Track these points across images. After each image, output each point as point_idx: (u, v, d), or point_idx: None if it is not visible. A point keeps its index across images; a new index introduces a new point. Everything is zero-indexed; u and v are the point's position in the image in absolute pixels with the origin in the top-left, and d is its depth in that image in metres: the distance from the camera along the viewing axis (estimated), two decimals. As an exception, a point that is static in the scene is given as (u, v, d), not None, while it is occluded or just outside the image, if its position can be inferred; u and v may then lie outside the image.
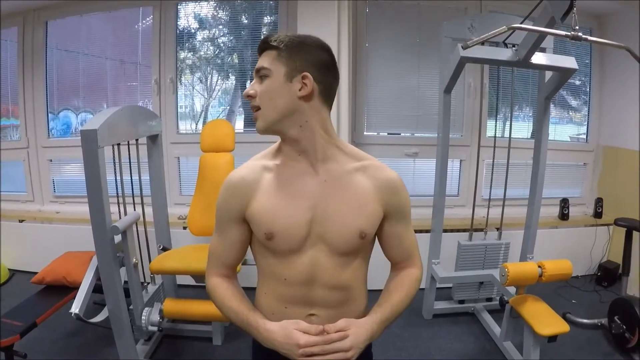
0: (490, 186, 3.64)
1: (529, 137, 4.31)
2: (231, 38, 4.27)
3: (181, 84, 4.26)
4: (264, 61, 1.13)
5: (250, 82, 4.04)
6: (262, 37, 1.21)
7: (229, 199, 1.21)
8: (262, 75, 1.14)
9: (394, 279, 1.30)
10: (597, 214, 4.34)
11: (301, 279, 1.18)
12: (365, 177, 1.20)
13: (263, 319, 1.17)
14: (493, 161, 3.56)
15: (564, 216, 4.29)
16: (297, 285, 1.18)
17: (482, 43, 2.38)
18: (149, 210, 3.11)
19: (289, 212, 1.15)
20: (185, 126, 4.32)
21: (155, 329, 2.69)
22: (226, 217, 1.23)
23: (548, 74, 3.13)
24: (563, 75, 2.94)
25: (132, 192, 2.94)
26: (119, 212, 2.74)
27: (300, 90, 1.12)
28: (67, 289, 2.92)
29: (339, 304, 1.21)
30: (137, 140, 2.83)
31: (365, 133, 4.16)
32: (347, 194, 1.17)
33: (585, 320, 3.36)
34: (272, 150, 1.25)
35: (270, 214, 1.15)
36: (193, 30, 4.23)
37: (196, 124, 4.38)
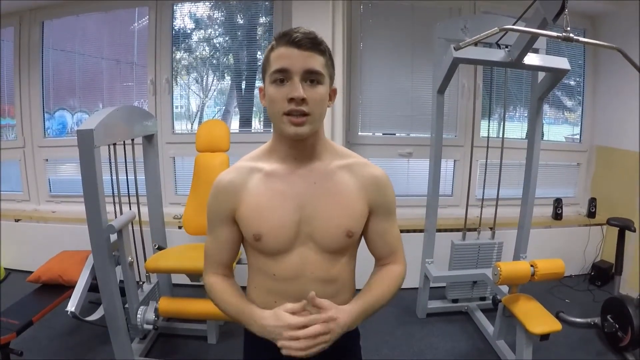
0: (484, 186, 3.66)
1: (523, 137, 4.33)
2: (227, 38, 4.28)
3: (177, 84, 4.26)
4: (318, 64, 1.10)
5: (245, 82, 4.03)
6: (300, 31, 1.09)
7: (218, 202, 1.23)
8: (314, 80, 1.10)
9: (377, 274, 1.31)
10: (591, 214, 4.36)
11: (290, 275, 1.19)
12: (350, 175, 1.22)
13: (258, 309, 1.18)
14: (486, 161, 3.58)
15: (557, 216, 4.31)
16: (286, 280, 1.20)
17: (475, 44, 2.40)
18: (144, 209, 3.12)
19: (277, 214, 1.16)
20: (180, 126, 4.33)
21: (150, 327, 2.69)
22: (216, 219, 1.24)
23: (541, 75, 3.16)
24: (555, 75, 2.97)
25: (128, 191, 2.94)
26: (115, 211, 2.75)
27: (329, 101, 1.17)
28: (63, 288, 2.92)
29: (328, 297, 1.20)
30: (132, 140, 2.85)
31: (359, 133, 4.18)
32: (333, 194, 1.19)
33: (578, 319, 3.38)
34: (260, 151, 1.26)
35: (258, 216, 1.17)
36: (189, 31, 4.24)
37: (192, 124, 4.39)
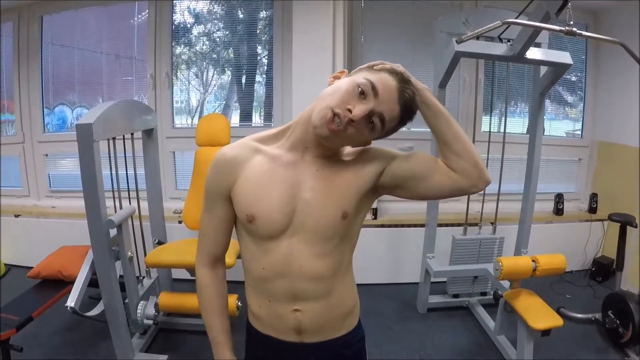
0: (485, 181, 3.65)
1: (525, 132, 4.32)
2: (227, 33, 4.26)
3: (177, 78, 4.25)
4: (391, 116, 1.08)
5: (246, 76, 3.97)
6: (411, 91, 1.08)
7: (218, 176, 1.18)
8: (374, 122, 1.07)
9: None
10: (592, 209, 4.36)
11: (279, 268, 1.14)
12: (351, 160, 1.18)
13: (226, 348, 1.31)
14: (487, 156, 3.56)
15: (558, 211, 4.31)
16: (276, 275, 1.15)
17: (477, 38, 2.39)
18: (144, 204, 3.12)
19: (274, 197, 1.12)
20: (181, 120, 4.32)
21: (150, 322, 2.70)
22: (215, 194, 1.19)
23: (543, 69, 3.14)
24: (558, 70, 2.95)
25: (128, 186, 2.93)
26: (115, 206, 2.74)
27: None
28: (62, 283, 2.92)
29: (321, 297, 1.17)
30: (132, 134, 2.84)
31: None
32: (333, 178, 1.15)
33: (579, 315, 3.38)
34: (270, 134, 1.21)
35: (255, 196, 1.13)
36: (189, 25, 4.23)
37: (192, 119, 4.38)
